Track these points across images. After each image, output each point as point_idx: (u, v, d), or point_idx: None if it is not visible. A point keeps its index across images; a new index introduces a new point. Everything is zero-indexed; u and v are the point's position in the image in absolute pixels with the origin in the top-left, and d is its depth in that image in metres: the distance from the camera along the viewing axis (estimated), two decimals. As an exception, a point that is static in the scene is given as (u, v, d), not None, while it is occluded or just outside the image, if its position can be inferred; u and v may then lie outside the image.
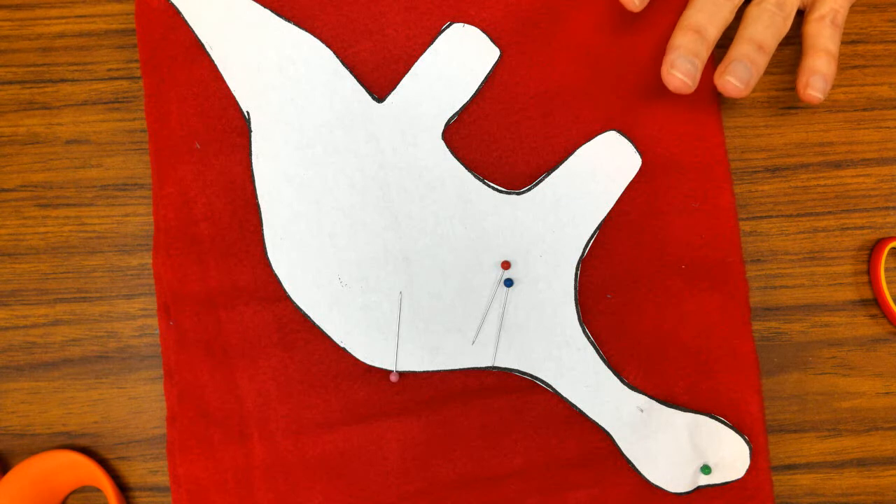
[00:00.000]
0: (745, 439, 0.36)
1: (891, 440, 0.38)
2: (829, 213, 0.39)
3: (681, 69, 0.35)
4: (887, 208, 0.39)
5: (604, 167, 0.38)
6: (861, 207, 0.39)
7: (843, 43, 0.40)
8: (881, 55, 0.40)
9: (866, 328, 0.38)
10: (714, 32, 0.36)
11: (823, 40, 0.37)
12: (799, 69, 0.37)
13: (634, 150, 0.38)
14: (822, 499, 0.38)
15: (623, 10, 0.39)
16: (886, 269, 0.38)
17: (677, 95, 0.38)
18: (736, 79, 0.35)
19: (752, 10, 0.37)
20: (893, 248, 0.38)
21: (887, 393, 0.38)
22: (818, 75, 0.36)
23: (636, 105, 0.38)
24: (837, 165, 0.39)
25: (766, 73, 0.40)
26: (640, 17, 0.39)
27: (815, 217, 0.39)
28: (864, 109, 0.39)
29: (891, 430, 0.38)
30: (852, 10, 0.40)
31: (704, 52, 0.35)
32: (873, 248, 0.38)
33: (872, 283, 0.38)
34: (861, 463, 0.38)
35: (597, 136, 0.38)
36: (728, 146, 0.39)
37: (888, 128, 0.39)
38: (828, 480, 0.38)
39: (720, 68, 0.36)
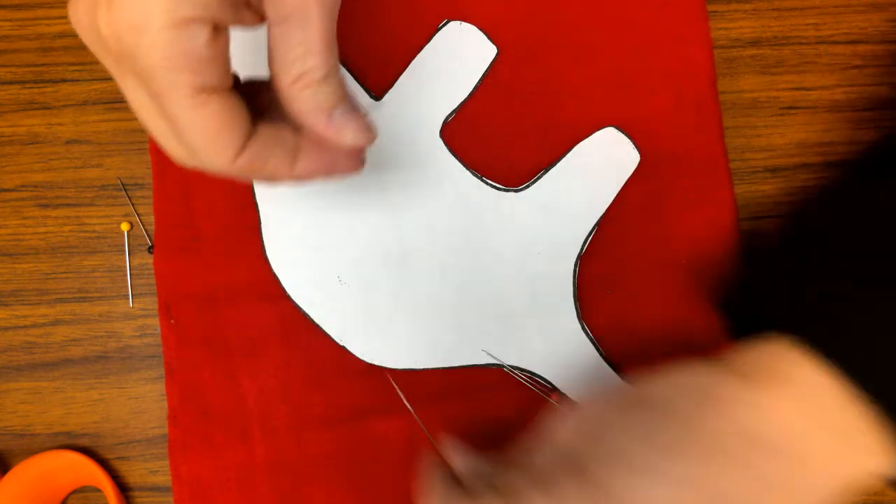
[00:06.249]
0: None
1: (891, 440, 0.38)
2: (829, 212, 0.39)
3: None
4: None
5: (602, 163, 0.38)
6: (861, 207, 0.39)
7: (843, 43, 0.40)
8: (881, 55, 0.40)
9: (866, 328, 0.38)
10: None
11: None
12: None
13: (633, 146, 0.38)
14: (822, 499, 0.38)
15: (622, 7, 0.39)
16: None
17: (676, 92, 0.38)
18: None
19: None
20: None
21: (887, 393, 0.38)
22: None
23: (635, 101, 0.38)
24: (837, 165, 0.39)
25: (767, 72, 0.40)
26: (639, 13, 0.39)
27: (815, 217, 0.39)
28: (864, 109, 0.39)
29: (891, 430, 0.38)
30: (852, 10, 0.40)
31: None
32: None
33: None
34: (861, 463, 0.38)
35: (595, 132, 0.38)
36: (728, 146, 0.39)
37: (888, 128, 0.39)
38: (828, 480, 0.38)
39: None
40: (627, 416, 0.28)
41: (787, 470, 0.26)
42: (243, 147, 0.25)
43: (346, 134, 0.26)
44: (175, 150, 0.26)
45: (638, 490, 0.26)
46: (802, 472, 0.26)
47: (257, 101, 0.27)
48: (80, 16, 0.24)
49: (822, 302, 0.28)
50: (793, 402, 0.26)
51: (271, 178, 0.27)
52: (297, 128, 0.27)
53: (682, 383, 0.28)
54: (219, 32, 0.23)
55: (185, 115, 0.24)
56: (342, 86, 0.26)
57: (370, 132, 0.27)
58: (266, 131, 0.26)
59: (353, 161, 0.28)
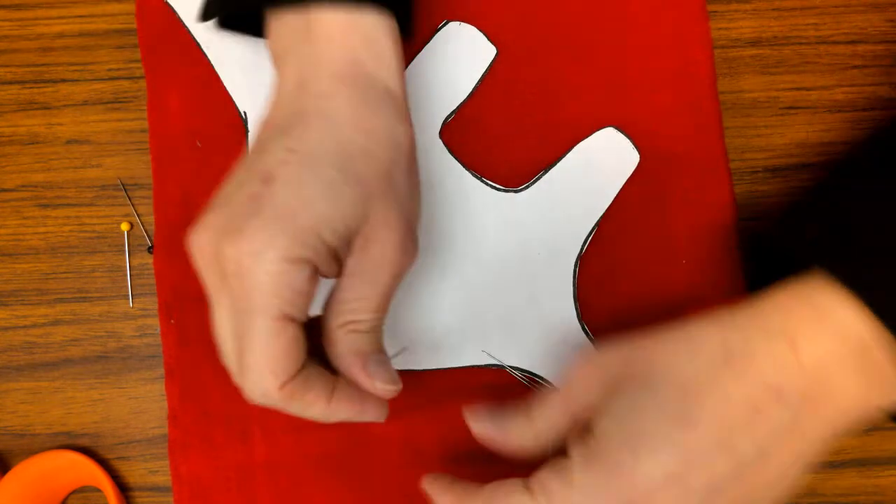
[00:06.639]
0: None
1: (891, 440, 0.38)
2: (829, 212, 0.39)
3: None
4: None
5: (601, 163, 0.38)
6: (861, 207, 0.39)
7: (843, 43, 0.40)
8: (881, 55, 0.40)
9: (866, 328, 0.38)
10: None
11: None
12: None
13: (632, 146, 0.38)
14: (822, 499, 0.38)
15: (622, 7, 0.39)
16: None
17: (676, 92, 0.38)
18: None
19: None
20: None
21: (887, 393, 0.38)
22: None
23: (635, 101, 0.38)
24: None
25: (767, 72, 0.40)
26: (639, 13, 0.39)
27: (815, 217, 0.39)
28: (864, 109, 0.39)
29: (891, 431, 0.38)
30: (852, 10, 0.40)
31: None
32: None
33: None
34: (861, 463, 0.38)
35: (595, 132, 0.38)
36: (728, 146, 0.39)
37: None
38: (828, 480, 0.38)
39: None
40: (640, 391, 0.28)
41: (800, 413, 0.26)
42: (293, 377, 0.28)
43: (376, 382, 0.29)
44: (231, 366, 0.29)
45: (645, 467, 0.26)
46: (814, 413, 0.26)
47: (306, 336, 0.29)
48: (203, 244, 0.28)
49: (846, 235, 0.28)
50: (812, 344, 0.26)
51: (305, 410, 0.29)
52: (334, 369, 0.30)
53: (696, 349, 0.28)
54: (315, 277, 0.28)
55: (260, 335, 0.27)
56: (381, 339, 0.30)
57: (396, 385, 0.30)
58: (312, 366, 0.29)
59: (379, 409, 0.31)
